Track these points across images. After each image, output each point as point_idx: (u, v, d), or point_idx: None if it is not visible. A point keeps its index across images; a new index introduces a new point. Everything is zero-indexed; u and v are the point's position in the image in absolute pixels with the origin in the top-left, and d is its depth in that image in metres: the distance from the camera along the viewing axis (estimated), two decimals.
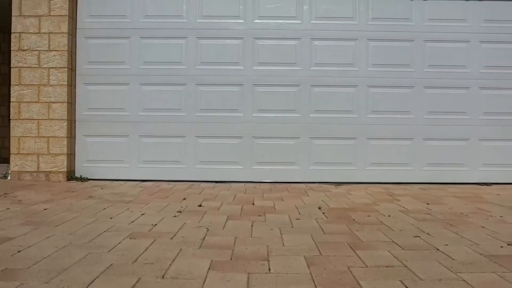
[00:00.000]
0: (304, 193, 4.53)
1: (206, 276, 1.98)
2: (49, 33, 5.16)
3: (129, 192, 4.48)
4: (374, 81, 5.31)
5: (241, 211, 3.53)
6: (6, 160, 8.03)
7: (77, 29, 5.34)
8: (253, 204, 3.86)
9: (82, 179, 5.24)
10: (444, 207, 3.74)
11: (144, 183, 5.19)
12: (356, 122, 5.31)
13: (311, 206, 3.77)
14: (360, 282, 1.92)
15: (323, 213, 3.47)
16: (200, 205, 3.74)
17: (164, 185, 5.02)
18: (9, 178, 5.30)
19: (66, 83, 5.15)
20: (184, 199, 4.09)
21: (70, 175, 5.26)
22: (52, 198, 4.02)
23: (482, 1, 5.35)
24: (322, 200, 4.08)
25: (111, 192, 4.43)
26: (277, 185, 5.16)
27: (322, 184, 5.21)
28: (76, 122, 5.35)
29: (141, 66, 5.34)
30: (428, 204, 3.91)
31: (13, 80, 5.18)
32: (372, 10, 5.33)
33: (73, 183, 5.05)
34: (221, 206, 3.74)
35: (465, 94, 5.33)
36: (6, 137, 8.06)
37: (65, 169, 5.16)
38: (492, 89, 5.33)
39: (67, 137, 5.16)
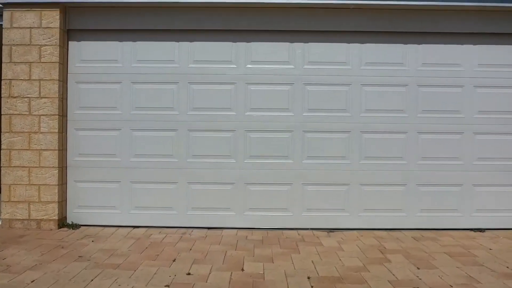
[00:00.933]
0: (295, 248, 4.50)
1: None
2: (39, 80, 5.11)
3: (120, 248, 4.44)
4: (367, 127, 5.27)
5: (229, 283, 3.50)
6: None
7: (68, 74, 5.30)
8: (242, 270, 3.83)
9: (73, 226, 5.21)
10: (434, 275, 3.70)
11: (135, 230, 5.16)
12: (349, 168, 5.28)
13: (301, 273, 3.74)
14: None
15: (312, 286, 3.44)
16: (188, 273, 3.72)
17: (156, 234, 4.99)
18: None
19: (57, 130, 5.11)
20: (174, 260, 4.06)
21: (62, 222, 5.23)
22: (41, 260, 3.99)
23: (477, 45, 5.29)
24: (313, 262, 4.05)
25: (101, 249, 4.40)
26: (269, 232, 5.13)
27: (314, 231, 5.19)
28: (68, 168, 5.31)
29: (132, 111, 5.30)
30: (419, 268, 3.88)
31: (3, 127, 5.15)
32: (365, 54, 5.28)
33: (64, 232, 5.02)
34: (210, 273, 3.71)
35: (459, 139, 5.29)
36: None
37: (56, 217, 5.13)
38: (486, 134, 5.29)
39: (58, 184, 5.13)
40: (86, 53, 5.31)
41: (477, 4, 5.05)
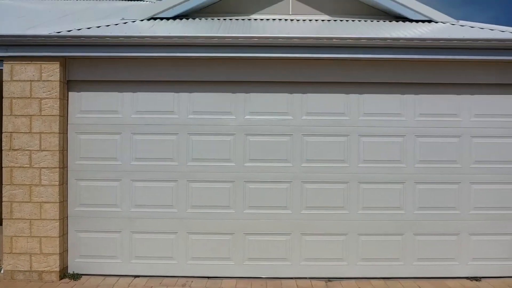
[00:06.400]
0: None
1: None
2: (40, 133, 5.15)
3: None
4: (365, 177, 5.32)
5: None
6: None
7: (68, 125, 5.34)
8: None
9: (74, 277, 5.26)
10: None
11: (136, 280, 5.21)
12: (347, 218, 5.33)
13: None
14: None
15: None
16: None
17: (156, 287, 5.05)
18: (2, 272, 5.33)
19: (57, 183, 5.15)
20: None
21: (63, 273, 5.28)
22: None
23: (474, 95, 5.34)
24: None
25: None
26: (268, 282, 5.19)
27: (312, 281, 5.25)
28: (69, 218, 5.36)
29: (132, 162, 5.34)
30: None
31: (4, 180, 5.18)
32: (364, 105, 5.32)
33: (65, 285, 5.07)
34: None
35: (456, 189, 5.34)
36: None
37: (57, 269, 5.17)
38: (483, 183, 5.34)
39: (59, 236, 5.18)
40: (86, 104, 5.35)
41: (476, 57, 5.10)
